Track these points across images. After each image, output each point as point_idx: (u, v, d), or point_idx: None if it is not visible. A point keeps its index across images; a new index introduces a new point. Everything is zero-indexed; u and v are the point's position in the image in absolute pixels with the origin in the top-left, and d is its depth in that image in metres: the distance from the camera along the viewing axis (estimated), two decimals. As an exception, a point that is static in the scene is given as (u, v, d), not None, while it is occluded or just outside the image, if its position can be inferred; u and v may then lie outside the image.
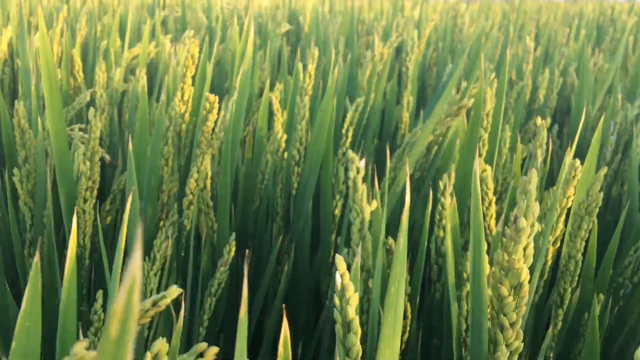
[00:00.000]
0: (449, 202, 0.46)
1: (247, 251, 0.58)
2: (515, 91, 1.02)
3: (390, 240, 0.50)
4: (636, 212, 0.75)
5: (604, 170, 0.44)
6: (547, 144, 0.59)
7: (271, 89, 1.00)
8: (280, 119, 0.68)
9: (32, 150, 0.55)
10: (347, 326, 0.34)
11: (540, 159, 0.54)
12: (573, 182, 0.50)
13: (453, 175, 0.56)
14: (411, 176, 0.80)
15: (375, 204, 0.42)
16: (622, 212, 0.60)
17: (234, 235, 0.59)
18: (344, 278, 0.38)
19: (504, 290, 0.35)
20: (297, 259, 0.74)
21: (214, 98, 0.56)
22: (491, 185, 0.60)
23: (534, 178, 0.31)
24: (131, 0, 2.31)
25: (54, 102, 0.47)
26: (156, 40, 1.10)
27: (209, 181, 0.68)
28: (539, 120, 0.55)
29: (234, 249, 0.58)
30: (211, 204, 0.67)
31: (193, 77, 0.62)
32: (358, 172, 0.40)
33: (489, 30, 1.68)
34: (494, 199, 0.61)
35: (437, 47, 1.44)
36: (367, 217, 0.41)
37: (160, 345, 0.26)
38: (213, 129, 0.62)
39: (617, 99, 1.07)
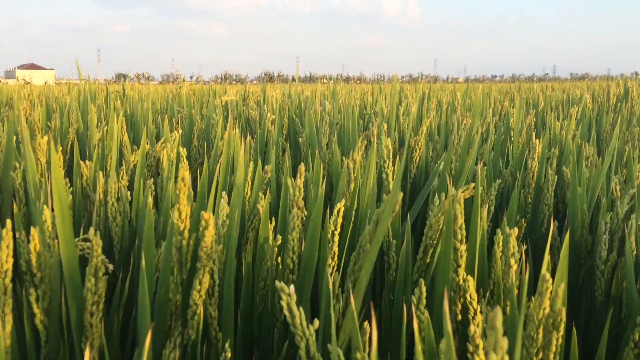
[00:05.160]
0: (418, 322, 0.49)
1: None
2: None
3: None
4: (635, 308, 0.76)
5: (562, 286, 0.47)
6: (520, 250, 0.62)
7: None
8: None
9: (47, 271, 0.60)
10: None
11: (514, 268, 0.58)
12: (546, 294, 0.54)
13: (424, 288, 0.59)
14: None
15: (317, 323, 0.46)
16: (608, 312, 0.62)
17: (228, 342, 0.62)
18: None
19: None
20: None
21: (208, 216, 0.61)
22: (474, 295, 0.63)
23: (499, 314, 0.34)
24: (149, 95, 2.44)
25: (66, 234, 0.53)
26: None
27: (215, 291, 0.71)
28: (507, 230, 0.59)
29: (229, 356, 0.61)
30: (215, 314, 0.70)
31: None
32: (290, 297, 0.45)
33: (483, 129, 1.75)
34: (479, 308, 0.63)
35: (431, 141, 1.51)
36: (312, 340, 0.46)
37: None
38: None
39: (612, 193, 1.10)
